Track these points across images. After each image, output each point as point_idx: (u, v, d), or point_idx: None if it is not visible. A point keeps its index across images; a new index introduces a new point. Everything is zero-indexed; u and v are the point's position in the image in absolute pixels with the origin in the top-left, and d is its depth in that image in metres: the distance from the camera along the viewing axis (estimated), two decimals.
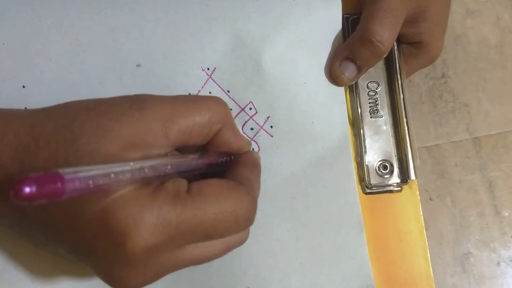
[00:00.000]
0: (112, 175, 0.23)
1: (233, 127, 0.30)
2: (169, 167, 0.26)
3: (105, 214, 0.24)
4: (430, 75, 0.64)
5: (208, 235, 0.26)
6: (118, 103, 0.27)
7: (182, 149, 0.30)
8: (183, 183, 0.27)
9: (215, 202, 0.26)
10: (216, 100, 0.29)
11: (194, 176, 0.29)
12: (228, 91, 0.37)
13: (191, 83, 0.37)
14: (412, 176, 0.38)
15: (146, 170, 0.25)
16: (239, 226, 0.27)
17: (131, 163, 0.24)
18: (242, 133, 0.37)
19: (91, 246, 0.25)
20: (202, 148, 0.31)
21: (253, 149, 0.38)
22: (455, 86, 0.63)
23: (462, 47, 0.63)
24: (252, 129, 0.38)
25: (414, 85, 0.64)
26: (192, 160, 0.29)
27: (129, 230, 0.24)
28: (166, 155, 0.27)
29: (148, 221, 0.24)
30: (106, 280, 0.27)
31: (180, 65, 0.37)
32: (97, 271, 0.27)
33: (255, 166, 0.32)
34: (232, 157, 0.32)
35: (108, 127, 0.25)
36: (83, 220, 0.24)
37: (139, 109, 0.26)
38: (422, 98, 0.63)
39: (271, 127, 0.38)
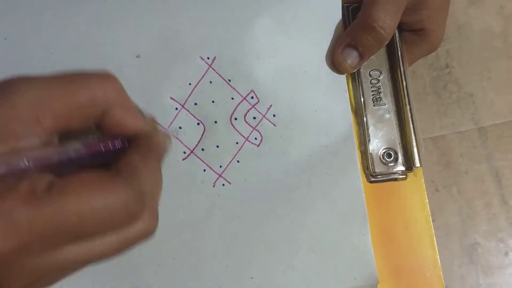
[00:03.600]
0: None
1: (125, 106, 0.27)
2: (26, 161, 0.23)
3: None
4: (434, 65, 0.63)
5: (77, 235, 0.24)
6: None
7: (75, 133, 0.27)
8: (43, 181, 0.24)
9: (77, 198, 0.23)
10: (102, 76, 0.26)
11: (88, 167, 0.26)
12: (229, 80, 0.37)
13: (191, 72, 0.37)
14: (417, 163, 0.38)
15: None
16: (118, 221, 0.24)
17: None
18: (244, 122, 0.37)
19: None
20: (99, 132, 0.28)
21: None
22: (460, 76, 0.63)
23: (465, 37, 0.63)
24: (254, 118, 0.37)
25: (418, 76, 0.63)
26: (70, 151, 0.26)
27: None
28: (44, 144, 0.25)
29: None
30: None
31: (179, 55, 0.36)
32: None
33: (149, 150, 0.28)
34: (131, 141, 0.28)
35: None
36: None
37: (5, 95, 0.24)
38: (426, 89, 0.63)
39: (274, 115, 0.38)
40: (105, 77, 0.27)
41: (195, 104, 0.37)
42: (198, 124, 0.37)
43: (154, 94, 0.36)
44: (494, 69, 0.63)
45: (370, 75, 0.40)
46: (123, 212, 0.24)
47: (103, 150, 0.27)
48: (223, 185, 0.37)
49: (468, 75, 0.64)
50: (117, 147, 0.28)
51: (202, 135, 0.37)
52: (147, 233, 0.27)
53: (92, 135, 0.27)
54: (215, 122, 0.37)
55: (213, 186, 0.37)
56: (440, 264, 0.38)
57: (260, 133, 0.37)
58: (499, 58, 0.63)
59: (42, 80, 0.25)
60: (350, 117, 0.39)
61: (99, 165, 0.26)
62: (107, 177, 0.25)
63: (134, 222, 0.26)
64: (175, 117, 0.36)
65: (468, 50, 0.64)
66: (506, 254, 0.59)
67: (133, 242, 0.27)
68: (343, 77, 0.39)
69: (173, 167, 0.36)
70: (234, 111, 0.37)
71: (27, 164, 0.23)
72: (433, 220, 0.40)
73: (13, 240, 0.23)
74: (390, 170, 0.39)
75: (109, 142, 0.27)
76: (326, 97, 0.38)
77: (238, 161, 0.37)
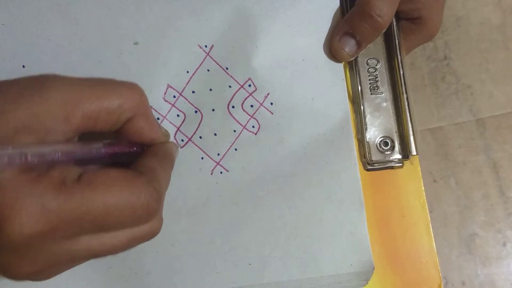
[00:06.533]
0: None
1: (147, 117, 0.29)
2: (59, 154, 0.25)
3: None
4: (432, 57, 0.64)
5: (100, 226, 0.25)
6: (18, 83, 0.26)
7: (92, 135, 0.28)
8: (73, 171, 0.25)
9: (106, 192, 0.25)
10: (131, 86, 0.28)
11: (103, 166, 0.28)
12: (227, 68, 0.37)
13: (188, 60, 0.37)
14: (413, 152, 0.38)
15: (28, 155, 0.23)
16: (137, 218, 0.26)
17: (10, 147, 0.23)
18: (241, 110, 0.37)
19: None
20: (115, 135, 0.29)
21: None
22: (458, 68, 0.63)
23: (464, 29, 0.63)
24: (252, 106, 0.38)
25: (416, 68, 0.63)
26: (93, 149, 0.27)
27: (6, 216, 0.23)
28: (67, 140, 0.26)
29: (27, 208, 0.23)
30: None
31: (177, 42, 0.37)
32: None
33: (165, 156, 0.30)
34: (145, 148, 0.30)
35: (3, 109, 0.24)
36: None
37: (39, 90, 0.25)
38: (424, 81, 0.63)
39: (271, 104, 0.38)
40: (133, 88, 0.28)
41: (193, 92, 0.37)
42: (196, 112, 0.37)
43: (152, 81, 0.36)
44: (492, 61, 0.63)
45: (367, 64, 0.40)
46: (144, 208, 0.26)
47: (122, 152, 0.29)
48: (221, 172, 0.37)
49: (466, 67, 0.64)
50: (134, 151, 0.30)
51: (200, 123, 0.37)
52: (152, 234, 0.29)
53: (108, 140, 0.29)
54: (213, 110, 0.37)
55: (211, 174, 0.37)
56: (436, 251, 0.39)
57: (257, 121, 0.38)
58: (497, 50, 0.63)
59: (75, 81, 0.27)
60: (347, 105, 0.39)
61: (112, 166, 0.27)
62: (132, 175, 0.26)
63: (147, 221, 0.27)
64: (173, 105, 0.37)
65: (466, 42, 0.64)
66: (504, 244, 0.60)
67: (139, 241, 0.28)
68: (340, 66, 0.39)
69: None
70: (231, 99, 0.37)
71: (57, 156, 0.25)
72: (431, 211, 0.40)
73: (42, 223, 0.23)
74: (387, 158, 0.39)
75: (129, 146, 0.29)
76: (324, 85, 0.39)
77: (235, 149, 0.37)
